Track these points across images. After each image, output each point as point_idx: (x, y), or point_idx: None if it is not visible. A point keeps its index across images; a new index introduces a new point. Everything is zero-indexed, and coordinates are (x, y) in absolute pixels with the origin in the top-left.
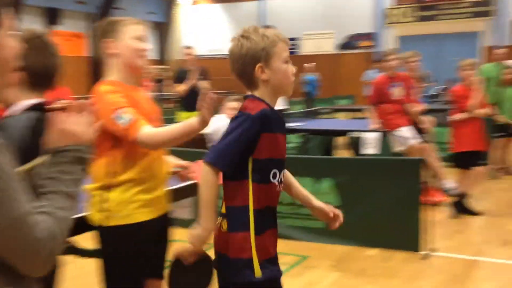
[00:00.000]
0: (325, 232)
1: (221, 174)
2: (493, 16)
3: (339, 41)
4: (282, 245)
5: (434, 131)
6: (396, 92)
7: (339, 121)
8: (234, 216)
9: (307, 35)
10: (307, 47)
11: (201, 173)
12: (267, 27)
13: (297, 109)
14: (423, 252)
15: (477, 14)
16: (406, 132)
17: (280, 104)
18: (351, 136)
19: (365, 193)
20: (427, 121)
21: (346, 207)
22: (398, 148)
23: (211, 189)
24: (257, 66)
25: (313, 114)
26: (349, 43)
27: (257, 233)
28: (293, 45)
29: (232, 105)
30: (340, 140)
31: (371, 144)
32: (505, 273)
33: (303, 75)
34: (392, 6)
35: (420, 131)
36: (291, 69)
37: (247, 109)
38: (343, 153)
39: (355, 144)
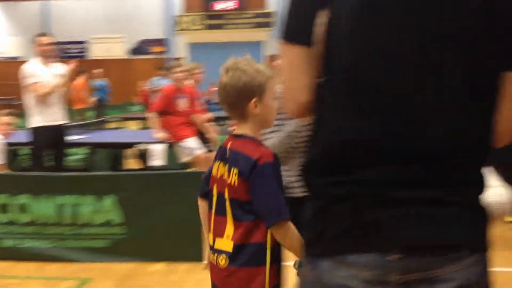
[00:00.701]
0: (108, 250)
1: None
2: (273, 27)
3: (130, 46)
4: (61, 269)
5: (219, 140)
6: (182, 103)
7: (127, 132)
8: (249, 252)
9: (95, 39)
10: (96, 51)
11: (285, 234)
12: (43, 34)
13: (87, 116)
14: (206, 261)
15: (260, 25)
16: (191, 143)
17: (60, 119)
18: (138, 148)
19: (148, 208)
20: (213, 130)
21: (130, 223)
22: (184, 159)
23: (298, 237)
24: (253, 100)
25: (102, 124)
26: (140, 48)
27: (271, 266)
28: (81, 48)
29: (4, 120)
30: (130, 150)
31: (157, 155)
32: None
33: (93, 81)
34: (182, 13)
35: (206, 140)
36: (276, 104)
37: (258, 156)
38: (133, 164)
39: (143, 156)
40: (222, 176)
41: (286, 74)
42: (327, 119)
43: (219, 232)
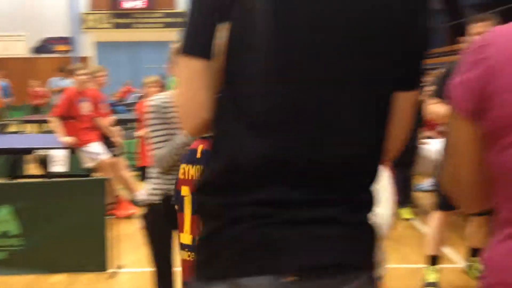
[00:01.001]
0: (5, 263)
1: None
2: (183, 27)
3: (33, 44)
4: None
5: (124, 144)
6: (85, 107)
7: (27, 137)
8: None
9: None
10: None
11: None
12: None
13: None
14: (110, 271)
15: (169, 25)
16: (95, 147)
17: None
18: (38, 153)
19: (48, 217)
20: (117, 134)
21: (28, 234)
22: (88, 164)
23: None
24: None
25: (0, 128)
26: (44, 47)
27: None
28: None
29: None
30: (30, 156)
31: (59, 161)
32: None
33: None
34: (88, 11)
35: (110, 144)
36: None
37: None
38: (34, 170)
39: (43, 162)
40: (193, 177)
41: (185, 88)
42: (226, 135)
43: (198, 231)
